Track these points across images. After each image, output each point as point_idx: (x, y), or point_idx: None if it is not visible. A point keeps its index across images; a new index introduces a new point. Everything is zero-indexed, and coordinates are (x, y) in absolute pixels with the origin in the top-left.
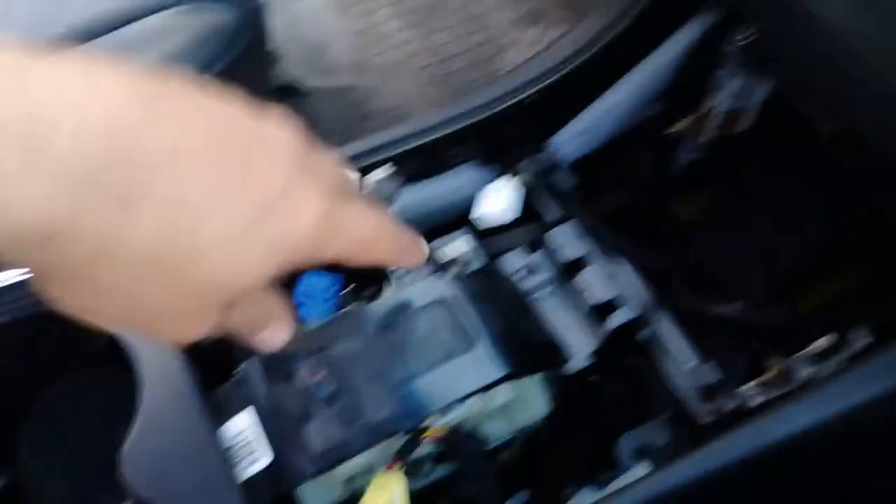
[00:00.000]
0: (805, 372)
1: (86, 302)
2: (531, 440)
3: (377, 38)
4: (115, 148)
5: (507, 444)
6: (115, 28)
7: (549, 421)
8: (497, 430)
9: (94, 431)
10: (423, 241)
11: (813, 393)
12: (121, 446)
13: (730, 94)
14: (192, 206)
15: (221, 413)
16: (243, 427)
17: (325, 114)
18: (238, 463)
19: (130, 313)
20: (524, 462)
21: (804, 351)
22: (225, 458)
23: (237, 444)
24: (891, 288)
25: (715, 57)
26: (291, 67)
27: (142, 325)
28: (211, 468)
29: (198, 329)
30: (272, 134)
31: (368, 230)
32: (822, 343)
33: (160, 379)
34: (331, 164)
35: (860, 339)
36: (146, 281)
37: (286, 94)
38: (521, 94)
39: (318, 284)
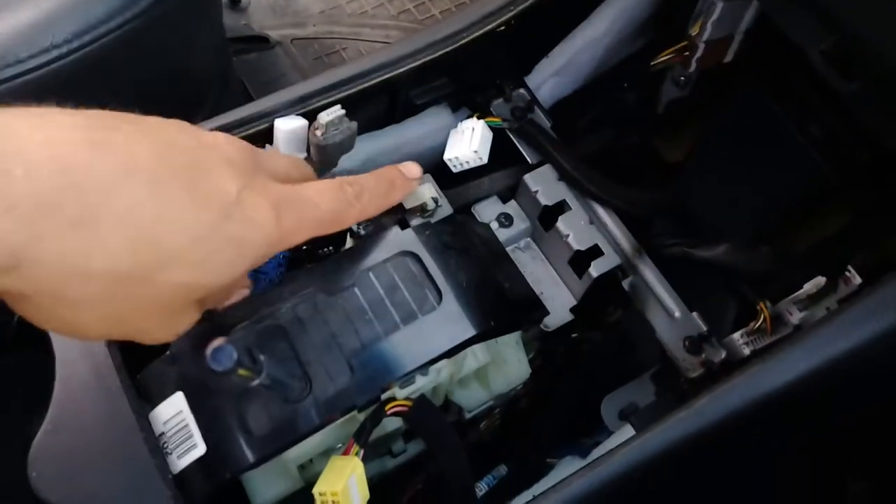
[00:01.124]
0: (795, 317)
1: (65, 319)
2: (511, 407)
3: None
4: (66, 179)
5: (485, 413)
6: None
7: (530, 385)
8: (473, 398)
9: (7, 423)
10: (409, 165)
11: (801, 341)
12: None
13: (714, 20)
14: (150, 220)
15: (150, 396)
16: (175, 411)
17: (295, 65)
18: (170, 453)
19: (112, 324)
20: (504, 431)
21: (793, 295)
22: (154, 448)
23: (169, 431)
24: (879, 227)
25: None
26: (259, 18)
27: (125, 332)
28: (137, 461)
29: (180, 326)
30: (215, 143)
31: (331, 204)
32: (810, 286)
33: (77, 360)
34: (277, 157)
35: (849, 280)
36: (119, 293)
37: (253, 46)
38: (492, 21)
39: None
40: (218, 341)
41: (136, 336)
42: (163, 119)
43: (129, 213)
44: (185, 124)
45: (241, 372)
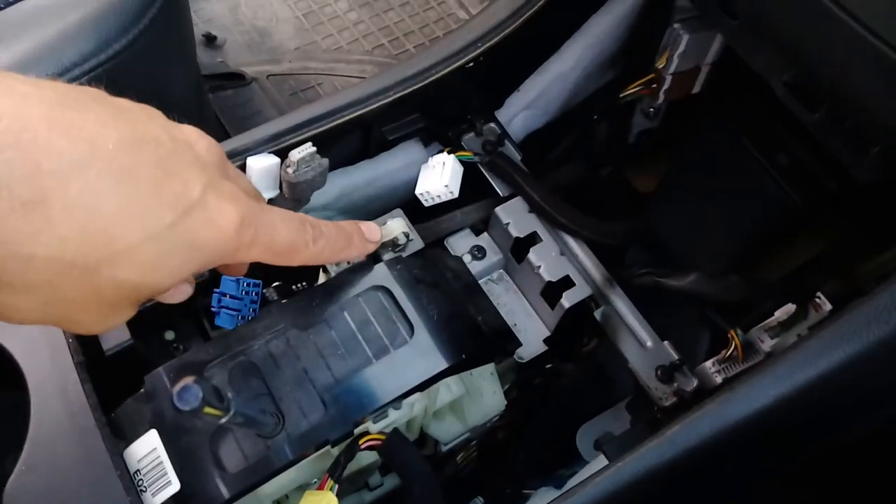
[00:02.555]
0: (767, 344)
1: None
2: (488, 439)
3: (324, 21)
4: (21, 156)
5: (461, 445)
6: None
7: (506, 417)
8: (448, 431)
9: None
10: (372, 227)
11: (770, 369)
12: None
13: (680, 53)
14: (107, 212)
15: (124, 434)
16: (150, 448)
17: (271, 100)
18: (145, 490)
19: (47, 311)
20: (481, 464)
21: (764, 322)
22: (129, 486)
23: (143, 468)
24: (849, 254)
25: (664, 13)
26: (235, 55)
27: (58, 321)
28: (113, 500)
29: (115, 321)
30: (186, 138)
31: (288, 237)
32: (781, 313)
33: (52, 398)
34: (240, 172)
35: (819, 307)
36: (60, 282)
37: (229, 82)
38: (462, 57)
39: (236, 287)
40: (185, 381)
41: (68, 325)
42: (135, 105)
43: (83, 201)
44: (156, 113)
45: (209, 410)
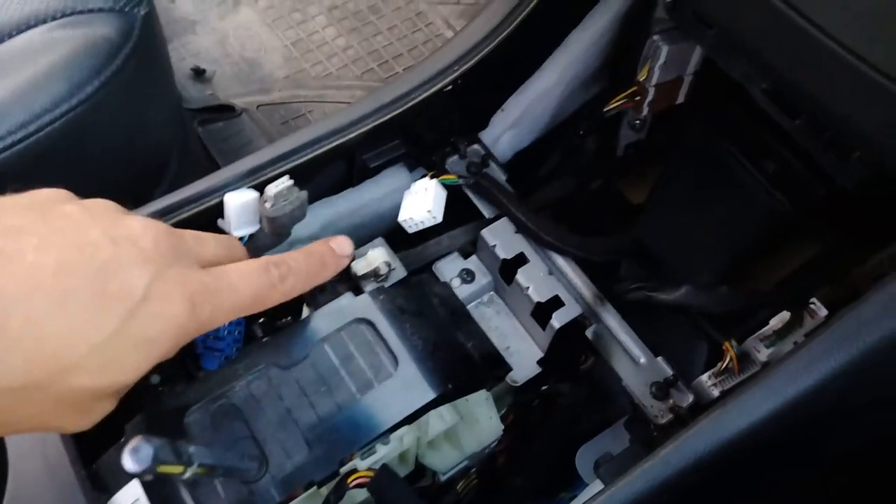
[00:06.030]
0: (763, 354)
1: None
2: (488, 465)
3: (313, 48)
4: None
5: (461, 473)
6: None
7: (505, 442)
8: (445, 460)
9: None
10: (341, 241)
11: (762, 381)
12: None
13: (661, 64)
14: (50, 336)
15: (106, 486)
16: (132, 499)
17: (262, 130)
18: None
19: (17, 426)
20: (482, 490)
21: (759, 332)
22: None
23: None
24: (842, 258)
25: (643, 25)
26: (224, 87)
27: (36, 429)
28: None
29: (95, 417)
30: (131, 235)
31: (250, 291)
32: (776, 322)
33: (30, 453)
34: (205, 240)
35: (814, 313)
36: (22, 403)
37: (219, 115)
38: (440, 81)
39: (219, 329)
40: (134, 441)
41: (51, 429)
42: (82, 208)
43: (26, 330)
44: (103, 211)
45: (164, 469)
